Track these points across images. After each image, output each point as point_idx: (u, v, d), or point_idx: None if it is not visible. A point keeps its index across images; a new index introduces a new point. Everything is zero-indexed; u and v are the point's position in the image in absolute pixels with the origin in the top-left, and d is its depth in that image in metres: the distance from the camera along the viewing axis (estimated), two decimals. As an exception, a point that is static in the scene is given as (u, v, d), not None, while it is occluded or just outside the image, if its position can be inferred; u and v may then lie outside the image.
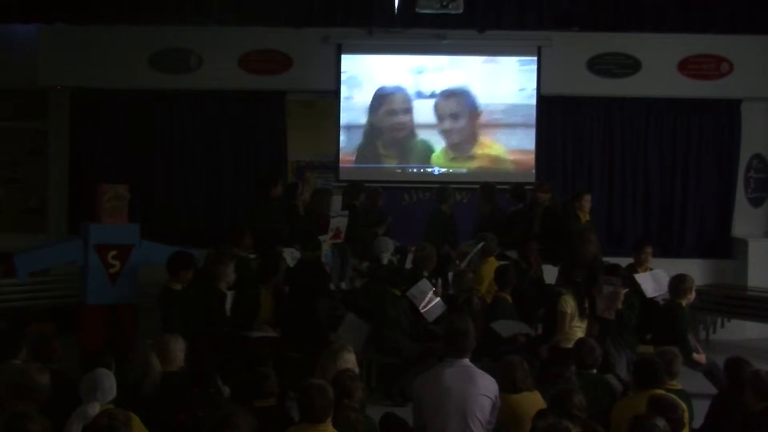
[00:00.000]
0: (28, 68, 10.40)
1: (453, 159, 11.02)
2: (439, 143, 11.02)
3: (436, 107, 11.00)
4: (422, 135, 11.03)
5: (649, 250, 8.79)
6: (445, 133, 11.03)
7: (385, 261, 8.67)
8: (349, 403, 4.92)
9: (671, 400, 4.89)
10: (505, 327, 7.55)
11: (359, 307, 8.24)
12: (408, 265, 9.07)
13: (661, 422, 4.46)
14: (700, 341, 9.11)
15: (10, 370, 5.43)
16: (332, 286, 8.74)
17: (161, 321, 7.13)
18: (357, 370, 5.58)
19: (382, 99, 10.96)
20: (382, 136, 11.02)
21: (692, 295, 7.89)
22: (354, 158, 11.00)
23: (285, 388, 5.38)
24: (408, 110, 10.98)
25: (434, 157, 11.01)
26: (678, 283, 7.80)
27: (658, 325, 7.84)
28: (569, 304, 7.62)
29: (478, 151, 11.01)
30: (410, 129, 10.99)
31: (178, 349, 5.71)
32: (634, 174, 11.01)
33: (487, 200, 9.87)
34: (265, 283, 7.81)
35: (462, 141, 11.04)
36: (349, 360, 5.52)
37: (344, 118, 10.92)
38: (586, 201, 9.64)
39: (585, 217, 9.58)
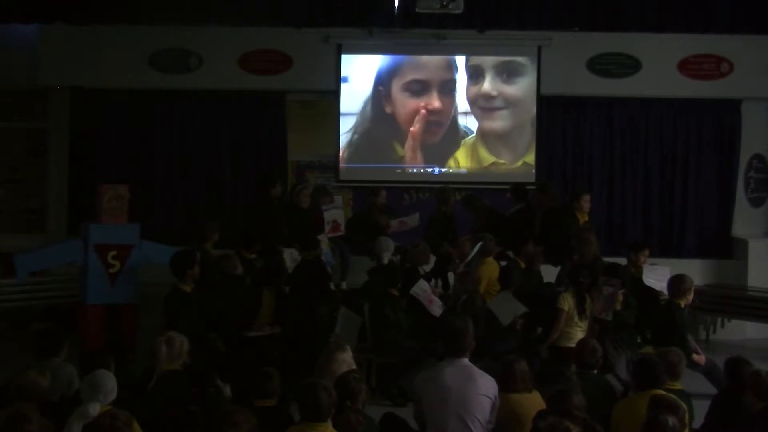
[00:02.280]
0: (28, 68, 10.40)
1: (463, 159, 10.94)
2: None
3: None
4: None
5: (647, 252, 8.75)
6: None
7: (385, 261, 8.67)
8: (351, 405, 4.93)
9: (672, 401, 4.89)
10: (504, 310, 7.58)
11: (359, 307, 8.26)
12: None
13: (672, 420, 4.46)
14: (699, 341, 9.13)
15: (50, 367, 5.49)
16: (332, 286, 8.75)
17: (166, 322, 7.12)
18: (354, 367, 5.58)
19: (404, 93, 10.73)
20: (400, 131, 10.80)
21: (691, 296, 7.87)
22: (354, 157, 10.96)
23: (285, 388, 5.38)
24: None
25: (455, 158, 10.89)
26: (677, 284, 7.78)
27: (657, 325, 7.82)
28: (567, 301, 7.64)
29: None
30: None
31: (184, 349, 5.75)
32: (634, 174, 11.01)
33: (469, 209, 9.86)
34: (268, 284, 7.81)
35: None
36: (345, 359, 5.52)
37: (344, 118, 10.89)
38: (585, 201, 9.63)
39: (583, 217, 9.57)
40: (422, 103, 10.71)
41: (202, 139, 10.95)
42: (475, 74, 10.72)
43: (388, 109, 10.85)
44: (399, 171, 10.98)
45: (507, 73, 10.64)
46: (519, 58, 10.66)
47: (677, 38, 10.67)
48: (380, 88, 10.82)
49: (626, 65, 10.76)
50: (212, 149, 10.94)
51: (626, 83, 10.77)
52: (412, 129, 10.71)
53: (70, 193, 10.84)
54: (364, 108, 10.84)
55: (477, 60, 10.71)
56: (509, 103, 10.74)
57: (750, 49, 10.65)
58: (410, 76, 10.73)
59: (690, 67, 10.74)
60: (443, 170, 10.95)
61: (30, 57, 10.44)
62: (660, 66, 10.71)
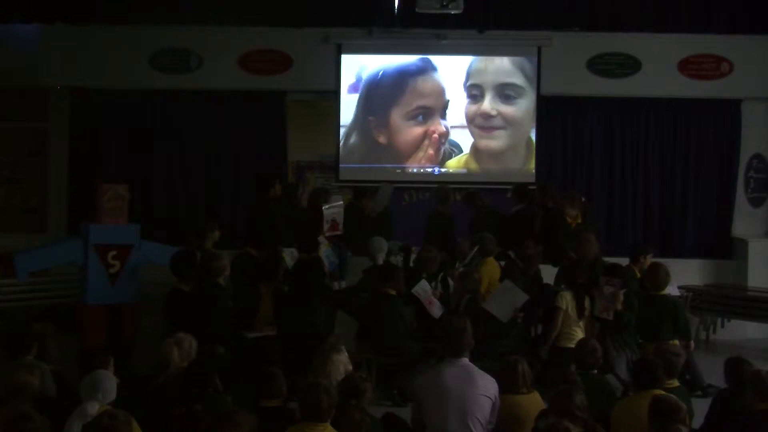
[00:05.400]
0: (28, 68, 10.40)
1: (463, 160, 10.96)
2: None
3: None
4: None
5: (651, 254, 8.72)
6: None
7: (380, 261, 8.64)
8: (356, 404, 4.93)
9: (673, 402, 4.86)
10: (500, 306, 7.59)
11: (352, 306, 8.26)
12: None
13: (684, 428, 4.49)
14: (699, 341, 9.16)
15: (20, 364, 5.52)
16: (336, 285, 8.75)
17: (165, 322, 7.11)
18: (350, 367, 5.58)
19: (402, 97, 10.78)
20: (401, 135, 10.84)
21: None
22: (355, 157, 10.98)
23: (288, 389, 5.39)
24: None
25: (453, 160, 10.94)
26: (662, 276, 7.80)
27: (653, 320, 7.81)
28: (565, 300, 7.66)
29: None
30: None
31: (193, 348, 5.83)
32: (634, 174, 11.01)
33: (469, 206, 9.86)
34: (266, 282, 7.81)
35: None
36: (342, 360, 5.51)
37: (344, 118, 10.90)
38: (571, 211, 9.43)
39: (577, 218, 9.47)
40: (429, 129, 10.80)
41: (202, 139, 10.95)
42: (474, 94, 10.80)
43: (382, 139, 10.88)
44: (399, 171, 10.99)
45: (506, 94, 10.74)
46: (518, 81, 10.72)
47: (677, 38, 10.67)
48: (371, 118, 10.84)
49: (626, 65, 10.75)
50: (212, 149, 10.94)
51: (626, 83, 10.77)
52: (430, 152, 10.78)
53: (70, 193, 10.84)
54: (346, 135, 10.85)
55: (477, 80, 10.76)
56: (507, 122, 10.81)
57: (750, 49, 10.65)
58: (415, 104, 10.79)
59: (690, 67, 10.74)
60: (443, 170, 10.96)
61: (30, 57, 10.44)
62: (660, 66, 10.70)
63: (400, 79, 10.82)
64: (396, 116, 10.85)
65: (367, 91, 10.83)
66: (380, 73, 10.82)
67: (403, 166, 10.95)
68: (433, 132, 10.82)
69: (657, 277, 7.81)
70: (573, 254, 8.51)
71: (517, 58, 10.77)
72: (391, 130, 10.87)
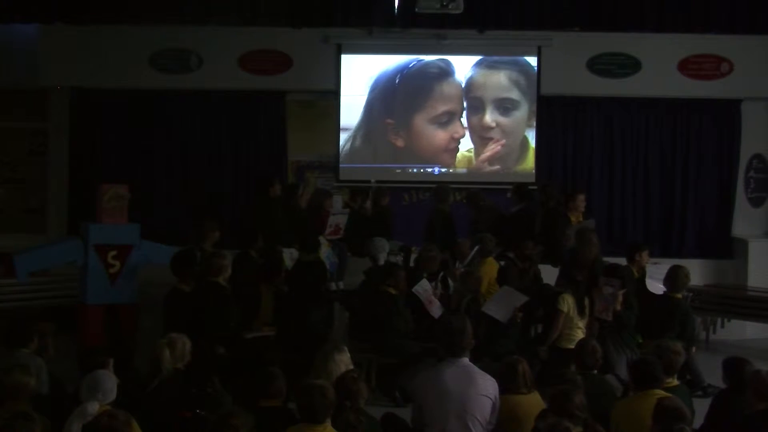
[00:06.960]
0: (28, 68, 10.41)
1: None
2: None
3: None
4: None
5: (648, 252, 8.72)
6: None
7: (381, 262, 8.65)
8: (351, 405, 4.91)
9: (677, 407, 4.82)
10: (500, 308, 7.59)
11: (355, 307, 8.25)
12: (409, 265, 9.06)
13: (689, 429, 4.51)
14: (699, 341, 9.14)
15: (17, 357, 5.51)
16: (333, 286, 8.75)
17: (166, 322, 7.11)
18: (352, 367, 5.57)
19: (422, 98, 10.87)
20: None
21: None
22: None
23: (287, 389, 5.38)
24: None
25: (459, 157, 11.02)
26: (680, 278, 7.83)
27: (661, 320, 7.81)
28: (567, 302, 7.64)
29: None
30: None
31: (186, 349, 5.78)
32: (634, 174, 11.01)
33: (471, 206, 9.87)
34: (267, 282, 7.81)
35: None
36: (342, 360, 5.50)
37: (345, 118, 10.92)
38: (580, 201, 9.50)
39: (577, 218, 9.50)
40: (453, 133, 10.91)
41: (202, 139, 10.95)
42: (475, 105, 10.90)
43: (399, 143, 10.94)
44: (399, 171, 10.99)
45: (504, 107, 10.88)
46: (514, 96, 10.83)
47: (677, 38, 10.68)
48: (389, 121, 10.89)
49: (626, 65, 10.76)
50: (212, 149, 10.95)
51: (626, 83, 10.77)
52: (451, 153, 10.90)
53: (70, 193, 10.84)
54: (352, 137, 10.90)
55: (478, 92, 10.87)
56: (505, 132, 10.92)
57: (750, 49, 10.66)
58: (441, 109, 10.87)
59: (690, 67, 10.74)
60: (443, 170, 10.96)
61: (30, 57, 10.44)
62: (660, 66, 10.71)
63: (423, 83, 10.87)
64: (420, 120, 10.90)
65: (383, 93, 10.86)
66: (398, 77, 10.87)
67: (403, 165, 10.96)
68: (456, 135, 10.92)
69: (676, 278, 7.86)
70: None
71: (513, 73, 10.85)
72: (413, 134, 10.91)
